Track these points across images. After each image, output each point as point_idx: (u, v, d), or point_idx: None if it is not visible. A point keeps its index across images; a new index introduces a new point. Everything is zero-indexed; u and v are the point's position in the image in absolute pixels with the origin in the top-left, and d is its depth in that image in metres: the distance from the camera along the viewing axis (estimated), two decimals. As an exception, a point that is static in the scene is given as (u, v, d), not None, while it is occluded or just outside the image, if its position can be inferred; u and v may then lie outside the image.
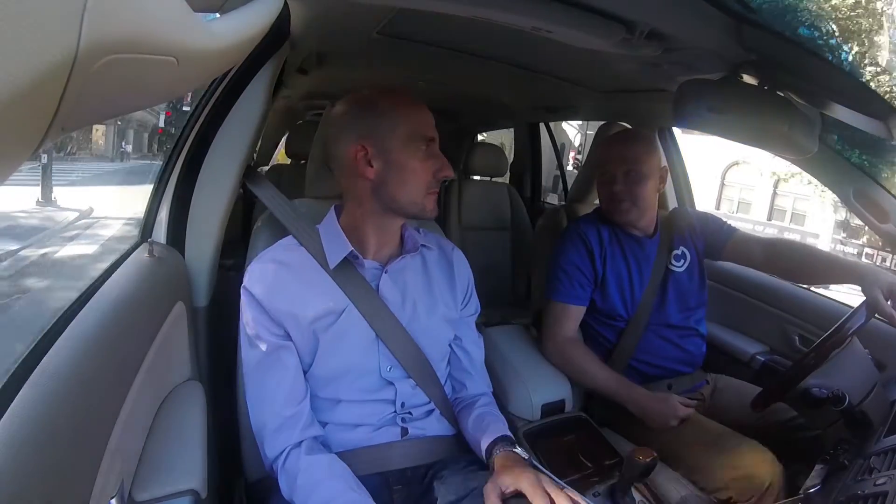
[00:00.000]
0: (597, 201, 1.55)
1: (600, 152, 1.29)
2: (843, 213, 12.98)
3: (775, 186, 13.65)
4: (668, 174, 1.31)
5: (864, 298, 0.93)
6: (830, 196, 12.29)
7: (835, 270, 1.06)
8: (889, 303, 0.91)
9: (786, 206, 13.99)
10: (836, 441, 0.89)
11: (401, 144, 0.77)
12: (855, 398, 0.86)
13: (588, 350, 1.20)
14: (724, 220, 1.32)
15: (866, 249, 12.45)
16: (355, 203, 0.82)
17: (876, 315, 0.93)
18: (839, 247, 12.59)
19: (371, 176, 0.77)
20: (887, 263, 11.67)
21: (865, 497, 0.71)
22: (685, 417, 1.06)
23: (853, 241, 12.84)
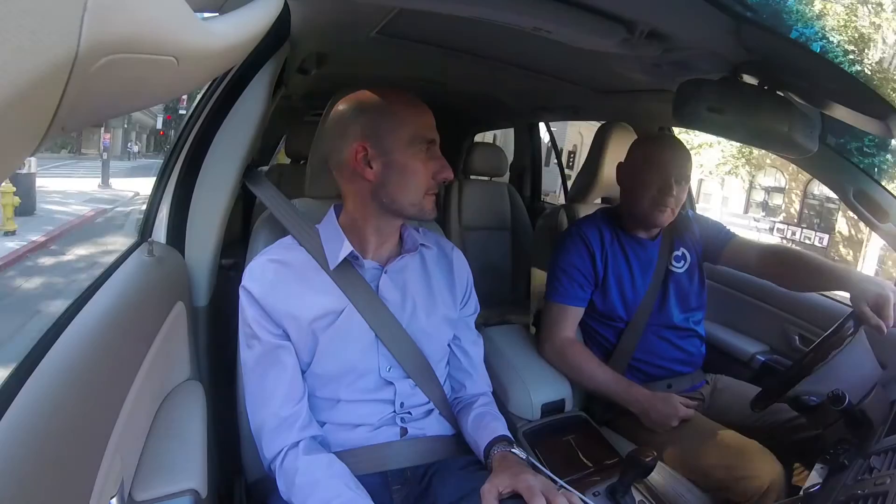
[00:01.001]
0: (597, 201, 1.55)
1: (649, 155, 1.19)
2: (761, 195, 14.90)
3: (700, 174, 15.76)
4: None
5: (852, 309, 0.94)
6: (723, 178, 14.56)
7: (825, 278, 1.06)
8: (885, 309, 0.91)
9: (711, 191, 16.55)
10: (836, 441, 0.89)
11: (402, 146, 0.76)
12: (855, 398, 0.86)
13: (586, 350, 1.20)
14: (724, 224, 1.32)
15: (777, 224, 13.46)
16: (354, 204, 0.82)
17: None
18: (752, 223, 13.89)
19: (370, 177, 0.77)
20: (797, 237, 12.74)
21: (865, 497, 0.71)
22: (686, 417, 1.06)
23: (770, 218, 14.08)
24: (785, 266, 1.15)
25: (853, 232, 12.10)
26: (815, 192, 13.32)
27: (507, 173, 2.58)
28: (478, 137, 3.16)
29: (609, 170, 1.41)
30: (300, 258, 0.82)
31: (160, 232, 0.98)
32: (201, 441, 0.76)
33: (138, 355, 0.68)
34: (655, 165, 1.16)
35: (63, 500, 0.44)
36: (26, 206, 6.82)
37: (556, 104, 2.03)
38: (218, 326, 1.06)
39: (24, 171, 6.57)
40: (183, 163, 0.99)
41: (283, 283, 0.79)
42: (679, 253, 1.26)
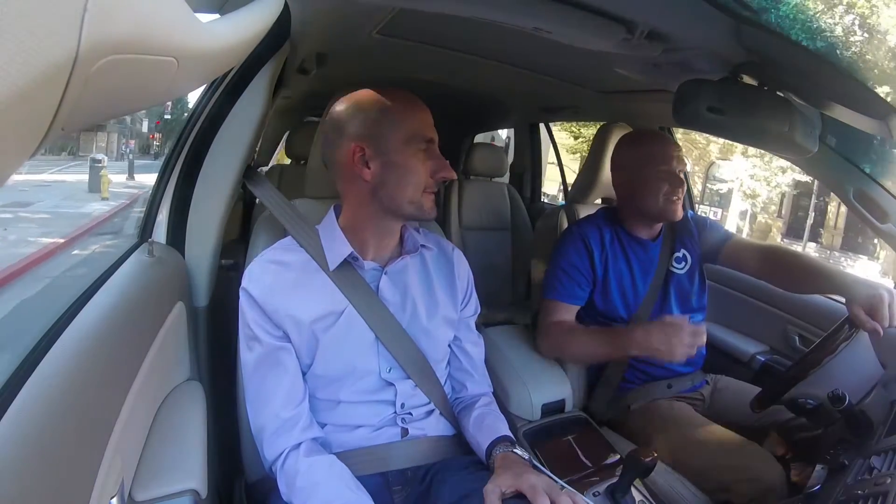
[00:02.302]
0: (597, 201, 1.55)
1: (654, 151, 1.20)
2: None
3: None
4: None
5: (847, 314, 0.94)
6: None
7: (821, 281, 1.06)
8: (879, 311, 0.91)
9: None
10: (836, 441, 0.89)
11: (400, 145, 0.76)
12: (855, 398, 0.86)
13: (573, 324, 1.18)
14: (722, 224, 1.32)
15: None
16: (353, 205, 0.81)
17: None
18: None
19: (368, 177, 0.76)
20: (706, 214, 13.73)
21: (866, 497, 0.71)
22: (698, 333, 0.97)
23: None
24: (781, 267, 1.15)
25: (748, 208, 14.23)
26: (717, 174, 14.52)
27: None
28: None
29: (609, 170, 1.41)
30: (300, 259, 0.82)
31: (160, 232, 0.98)
32: (201, 441, 0.76)
33: (138, 355, 0.68)
34: (663, 160, 1.18)
35: (63, 500, 0.44)
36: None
37: (557, 104, 2.03)
38: (218, 326, 1.06)
39: (101, 165, 8.53)
40: (183, 163, 0.99)
41: (282, 285, 0.79)
42: (680, 254, 1.26)
